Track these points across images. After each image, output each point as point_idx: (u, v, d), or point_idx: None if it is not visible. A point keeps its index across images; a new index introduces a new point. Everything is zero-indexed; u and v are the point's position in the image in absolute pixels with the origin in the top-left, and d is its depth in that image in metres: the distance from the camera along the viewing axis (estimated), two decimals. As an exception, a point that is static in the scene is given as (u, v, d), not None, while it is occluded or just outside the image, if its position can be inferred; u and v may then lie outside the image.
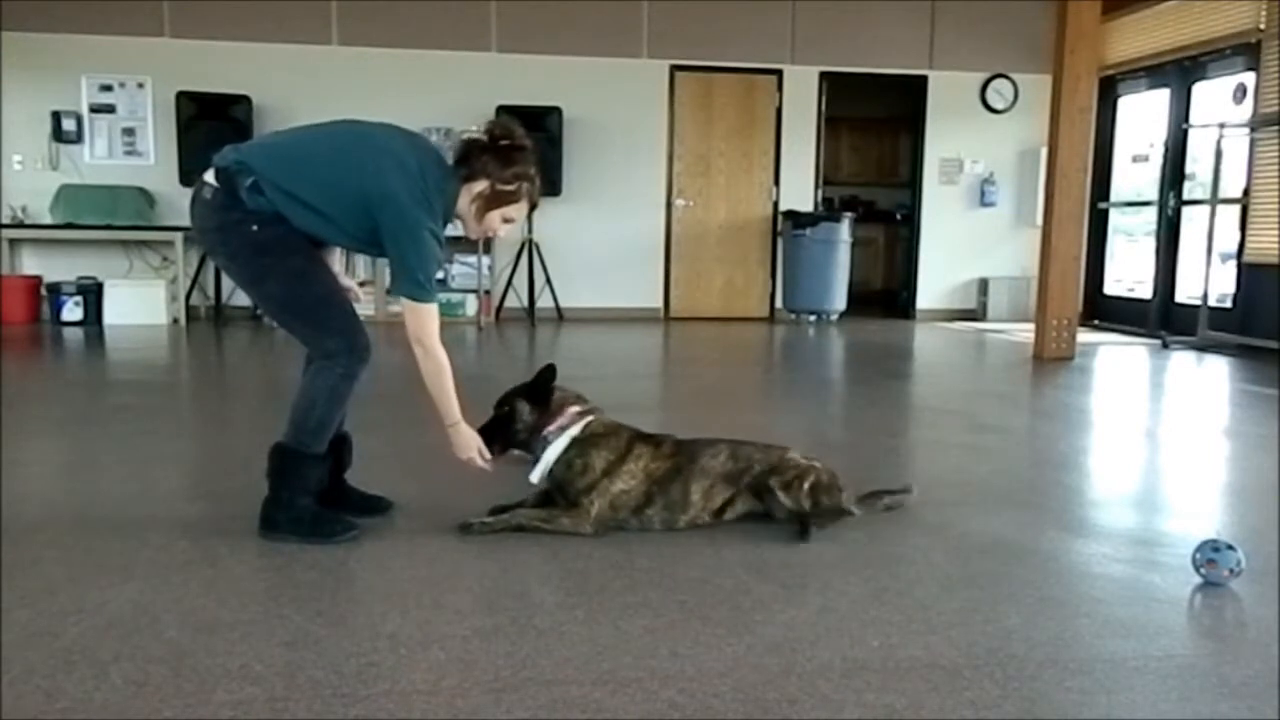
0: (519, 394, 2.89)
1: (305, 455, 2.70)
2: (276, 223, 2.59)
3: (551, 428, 2.82)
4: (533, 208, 2.82)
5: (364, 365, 2.72)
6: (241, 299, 8.65)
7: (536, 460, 2.83)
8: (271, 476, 2.71)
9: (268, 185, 2.56)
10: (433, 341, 2.66)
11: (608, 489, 2.77)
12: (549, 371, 2.88)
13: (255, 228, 2.59)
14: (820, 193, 9.81)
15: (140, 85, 8.58)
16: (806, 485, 2.85)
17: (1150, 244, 9.01)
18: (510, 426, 2.86)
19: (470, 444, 2.79)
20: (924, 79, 9.65)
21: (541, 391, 2.87)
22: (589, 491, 2.76)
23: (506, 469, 3.54)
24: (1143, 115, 9.35)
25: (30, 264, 8.46)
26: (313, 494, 2.73)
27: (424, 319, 2.64)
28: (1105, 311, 9.51)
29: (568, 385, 2.94)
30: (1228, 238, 7.93)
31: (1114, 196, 9.69)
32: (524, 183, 2.71)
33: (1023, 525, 3.00)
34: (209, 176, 2.61)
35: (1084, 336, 7.56)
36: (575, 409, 2.86)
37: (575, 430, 2.81)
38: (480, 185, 2.69)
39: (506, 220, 2.76)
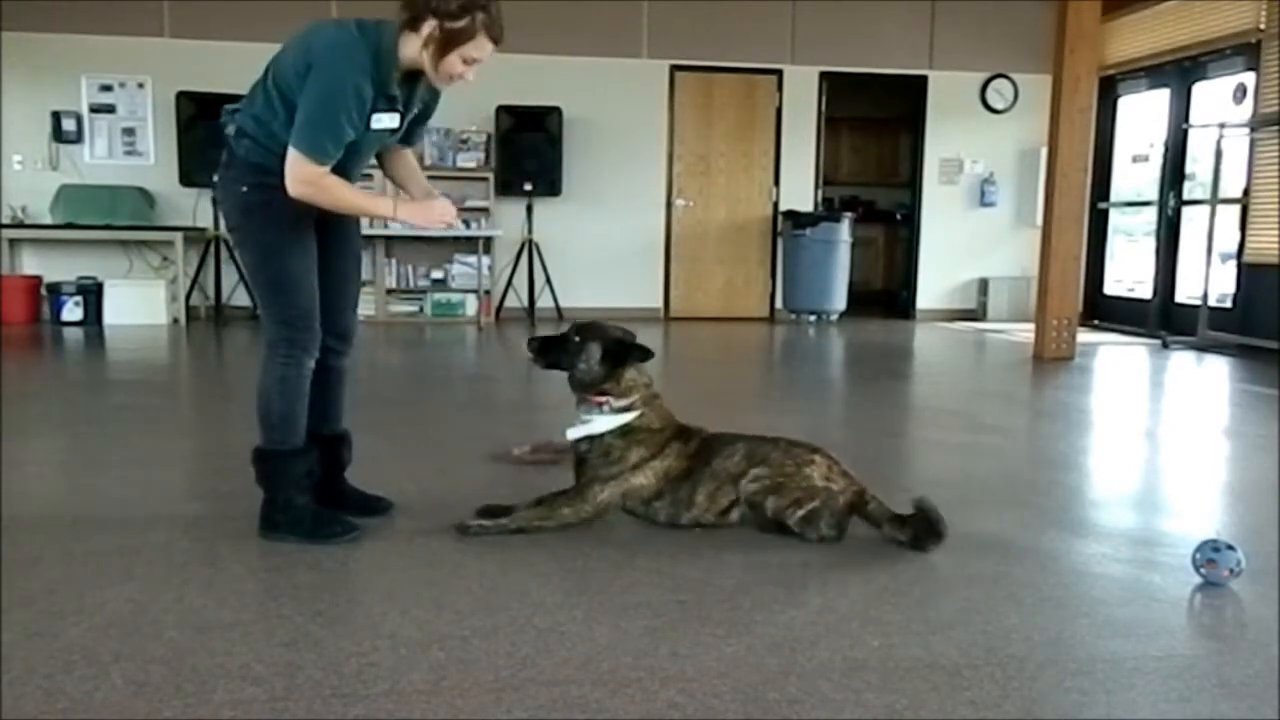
0: (602, 338, 2.78)
1: (281, 452, 2.68)
2: (265, 187, 2.54)
3: (613, 401, 2.77)
4: (496, 42, 2.52)
5: (309, 356, 2.67)
6: (241, 299, 8.66)
7: (581, 421, 2.78)
8: (260, 481, 2.71)
9: (245, 122, 2.56)
10: (317, 176, 2.48)
11: (627, 480, 2.76)
12: (642, 350, 2.79)
13: (244, 189, 2.59)
14: (820, 193, 9.81)
15: (140, 85, 8.58)
16: (800, 513, 2.71)
17: (1150, 244, 9.01)
18: (571, 356, 2.78)
19: (432, 208, 2.67)
20: (924, 79, 9.65)
21: (622, 354, 2.78)
22: (607, 481, 2.75)
23: (507, 471, 3.54)
24: (1143, 115, 9.35)
25: (30, 264, 8.46)
26: (306, 490, 2.72)
27: (305, 170, 2.46)
28: (1105, 311, 9.51)
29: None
30: (1228, 238, 7.93)
31: (1114, 196, 9.69)
32: (476, 13, 2.45)
33: (1023, 525, 3.00)
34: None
35: (1084, 336, 7.56)
36: (640, 396, 2.80)
37: (630, 417, 2.77)
38: (428, 27, 2.45)
39: (468, 61, 2.50)
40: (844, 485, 2.78)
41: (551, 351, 2.82)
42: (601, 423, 2.76)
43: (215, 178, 2.71)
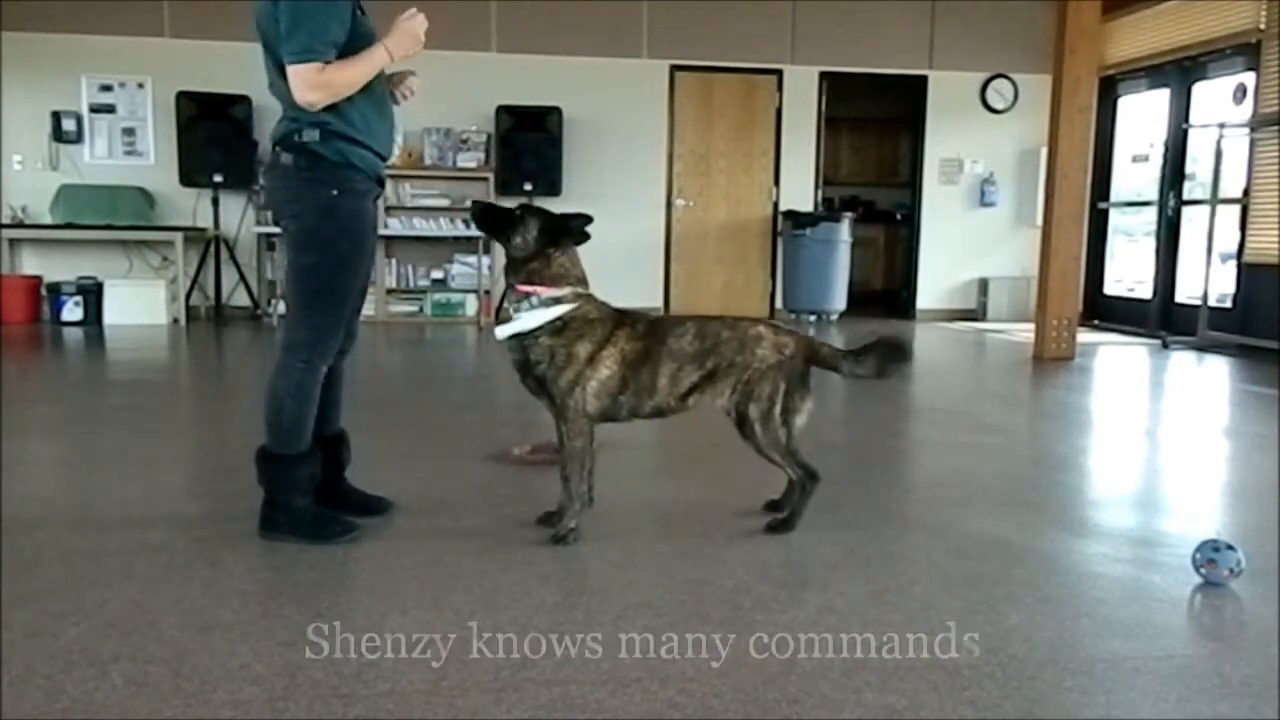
0: (539, 217, 2.71)
1: (288, 456, 2.68)
2: (355, 193, 2.62)
3: (541, 292, 2.66)
4: None
5: (326, 364, 2.70)
6: (241, 298, 8.66)
7: (507, 319, 2.71)
8: (262, 482, 2.71)
9: (330, 122, 2.56)
10: (321, 75, 2.47)
11: (589, 378, 2.66)
12: (582, 218, 2.71)
13: (335, 192, 2.60)
14: (820, 193, 9.81)
15: (140, 85, 8.58)
16: (778, 408, 2.75)
17: (1150, 244, 9.01)
18: (507, 230, 2.69)
19: (413, 25, 2.62)
20: (924, 79, 9.65)
21: (559, 232, 2.69)
22: (572, 388, 2.66)
23: (507, 471, 3.54)
24: (1143, 115, 9.35)
25: (30, 264, 8.46)
26: (308, 493, 2.72)
27: (311, 77, 2.47)
28: (1105, 311, 9.51)
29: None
30: (1228, 238, 7.93)
31: (1114, 196, 9.69)
32: None
33: (1023, 525, 3.00)
34: (279, 150, 2.62)
35: (1084, 336, 7.56)
36: (571, 290, 2.69)
37: (563, 310, 2.65)
38: None
39: None
40: (794, 345, 2.83)
41: (494, 219, 2.74)
42: (530, 318, 2.65)
43: (273, 182, 2.68)
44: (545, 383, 2.69)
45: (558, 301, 2.67)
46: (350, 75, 2.55)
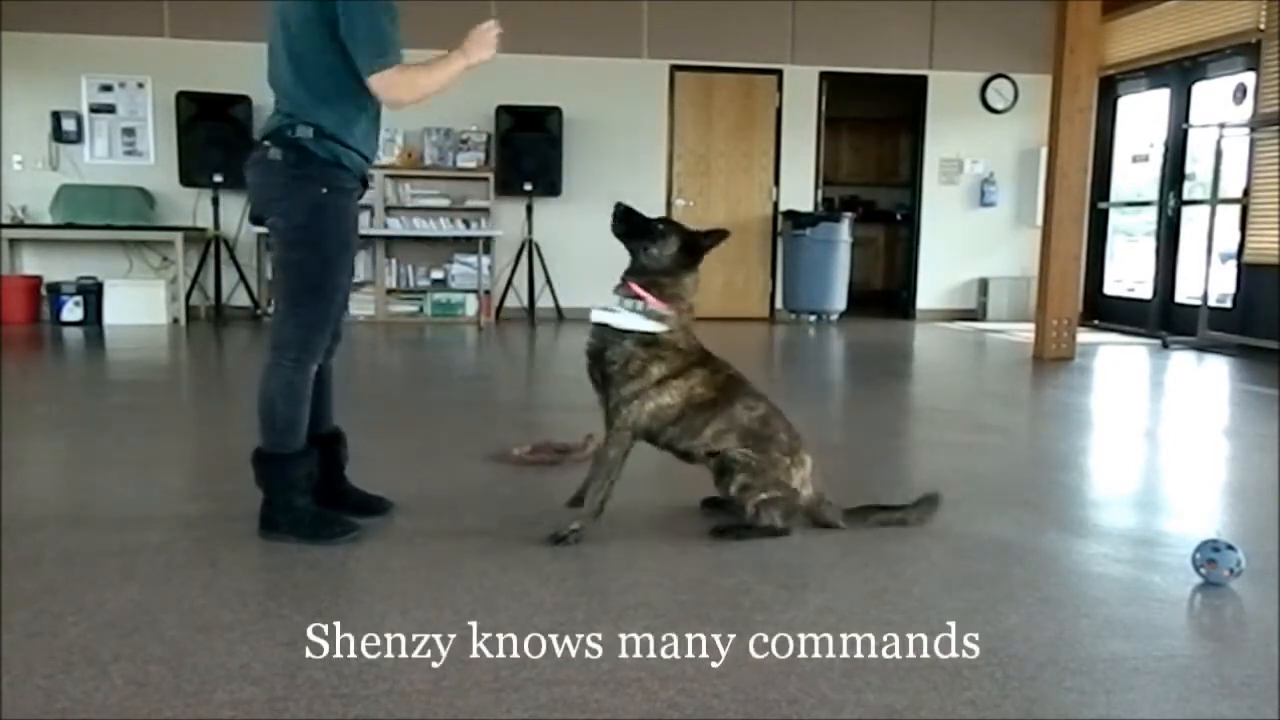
0: (680, 234, 2.74)
1: (284, 456, 2.69)
2: (343, 191, 2.64)
3: (652, 301, 2.70)
4: None
5: (316, 363, 2.71)
6: (241, 298, 8.66)
7: (611, 309, 2.75)
8: (260, 483, 2.71)
9: (319, 115, 2.57)
10: (411, 82, 2.57)
11: (651, 398, 2.69)
12: (720, 237, 2.74)
13: (325, 190, 2.61)
14: (820, 193, 9.81)
15: (140, 85, 8.58)
16: (762, 496, 2.74)
17: (1150, 244, 9.01)
18: (645, 240, 2.73)
19: (486, 35, 2.67)
20: (924, 79, 9.65)
21: (699, 247, 2.73)
22: (631, 400, 2.68)
23: (507, 471, 3.54)
24: (1143, 115, 9.35)
25: (30, 264, 8.46)
26: (307, 492, 2.72)
27: (394, 79, 2.54)
28: (1105, 311, 9.51)
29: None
30: (1228, 238, 7.93)
31: (1114, 196, 9.69)
32: None
33: (1023, 525, 3.00)
34: (269, 144, 2.62)
35: (1084, 336, 7.56)
36: (678, 312, 2.72)
37: (660, 328, 2.69)
38: None
39: None
40: (813, 491, 2.85)
41: (634, 223, 2.77)
42: (627, 319, 2.69)
43: (261, 176, 2.67)
44: (609, 382, 2.72)
45: (661, 319, 2.71)
46: (434, 78, 2.63)
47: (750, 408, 2.82)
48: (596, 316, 2.76)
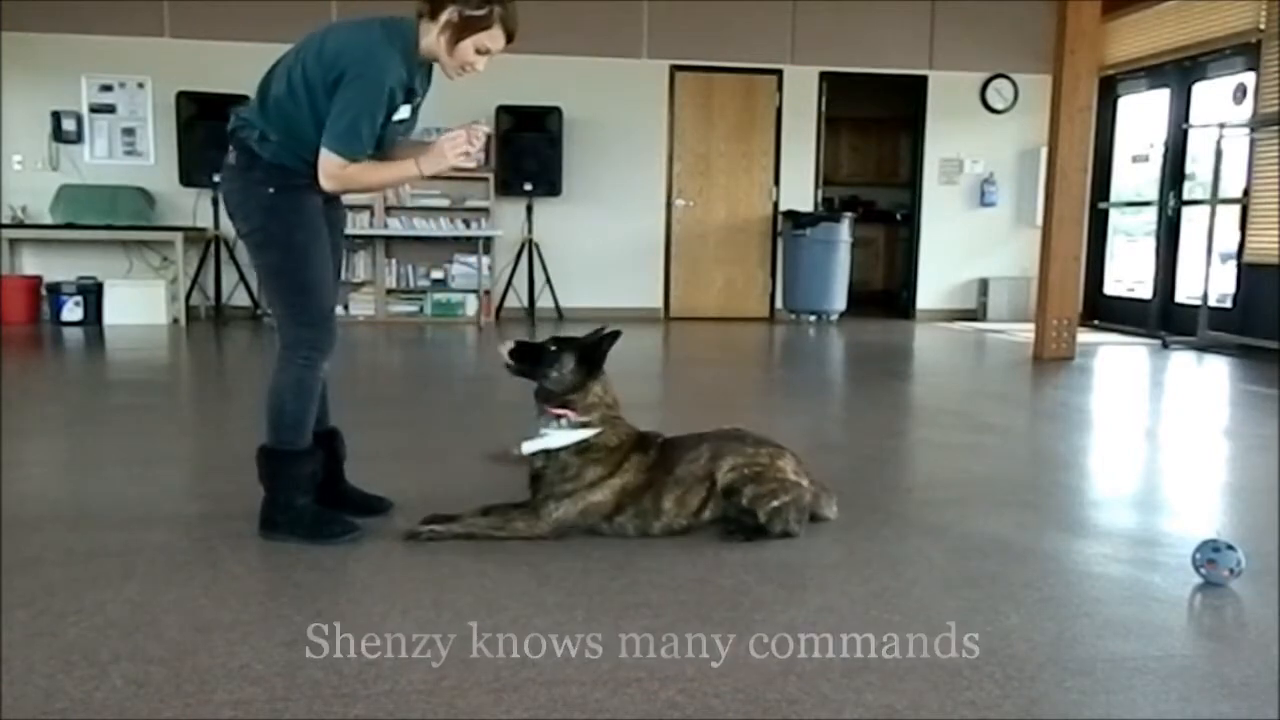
0: (574, 349, 2.76)
1: (290, 453, 2.69)
2: (293, 189, 2.61)
3: (572, 416, 2.73)
4: (510, 38, 2.60)
5: (325, 358, 2.71)
6: (241, 298, 8.66)
7: (538, 435, 2.74)
8: (263, 480, 2.71)
9: (269, 129, 2.58)
10: (346, 178, 2.57)
11: (583, 498, 2.72)
12: (611, 340, 2.76)
13: (271, 190, 2.60)
14: (820, 193, 9.81)
15: (140, 85, 8.58)
16: (774, 504, 2.74)
17: (1150, 244, 9.01)
18: (545, 366, 2.73)
19: (443, 147, 2.64)
20: (924, 79, 9.65)
21: (596, 356, 2.76)
22: (563, 498, 2.71)
23: (506, 471, 3.54)
24: (1143, 115, 9.35)
25: (30, 264, 8.46)
26: (309, 491, 2.72)
27: (340, 170, 2.55)
28: (1105, 311, 9.51)
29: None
30: (1228, 238, 7.93)
31: (1114, 196, 9.69)
32: (495, 6, 2.53)
33: (1023, 525, 3.00)
34: (230, 146, 2.66)
35: (1084, 336, 7.56)
36: (600, 414, 2.75)
37: (589, 434, 2.72)
38: (447, 13, 2.53)
39: (480, 51, 2.59)
40: (809, 483, 2.86)
41: (529, 358, 2.78)
42: (558, 437, 2.72)
43: (223, 179, 2.70)
44: (540, 480, 2.74)
45: (586, 425, 2.73)
46: (375, 180, 2.71)
47: (693, 460, 2.80)
48: (529, 448, 2.75)
